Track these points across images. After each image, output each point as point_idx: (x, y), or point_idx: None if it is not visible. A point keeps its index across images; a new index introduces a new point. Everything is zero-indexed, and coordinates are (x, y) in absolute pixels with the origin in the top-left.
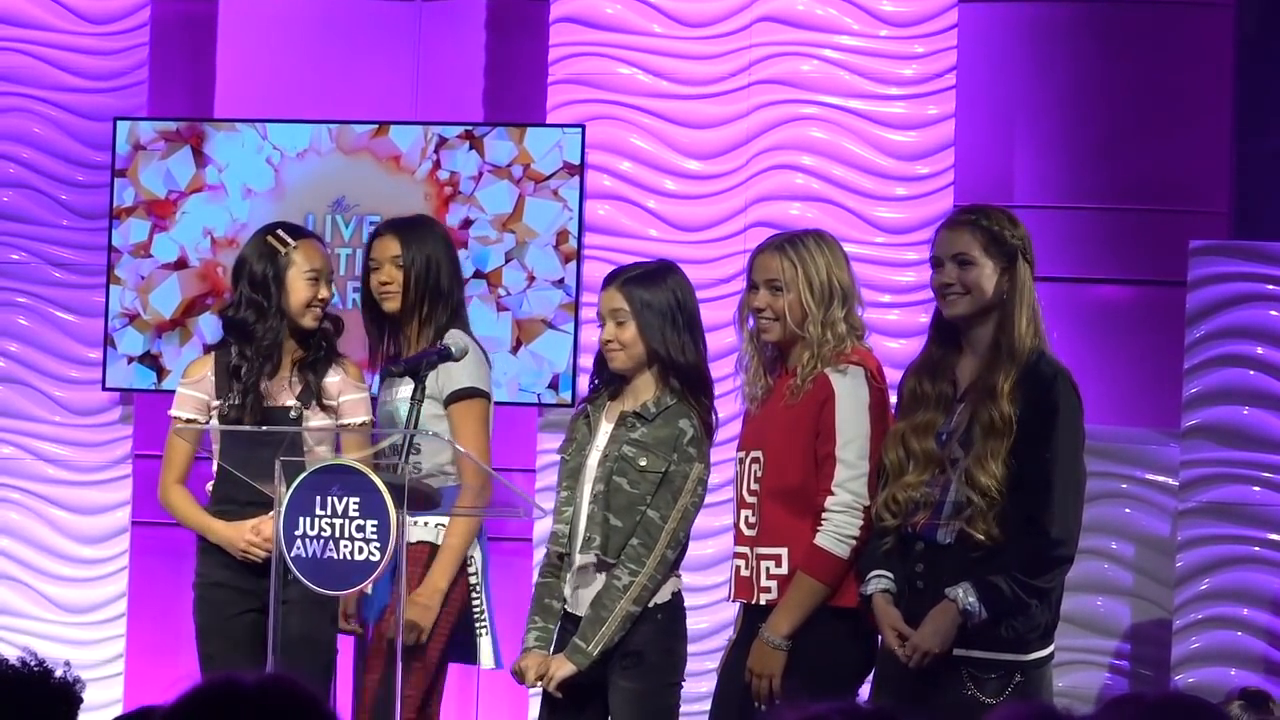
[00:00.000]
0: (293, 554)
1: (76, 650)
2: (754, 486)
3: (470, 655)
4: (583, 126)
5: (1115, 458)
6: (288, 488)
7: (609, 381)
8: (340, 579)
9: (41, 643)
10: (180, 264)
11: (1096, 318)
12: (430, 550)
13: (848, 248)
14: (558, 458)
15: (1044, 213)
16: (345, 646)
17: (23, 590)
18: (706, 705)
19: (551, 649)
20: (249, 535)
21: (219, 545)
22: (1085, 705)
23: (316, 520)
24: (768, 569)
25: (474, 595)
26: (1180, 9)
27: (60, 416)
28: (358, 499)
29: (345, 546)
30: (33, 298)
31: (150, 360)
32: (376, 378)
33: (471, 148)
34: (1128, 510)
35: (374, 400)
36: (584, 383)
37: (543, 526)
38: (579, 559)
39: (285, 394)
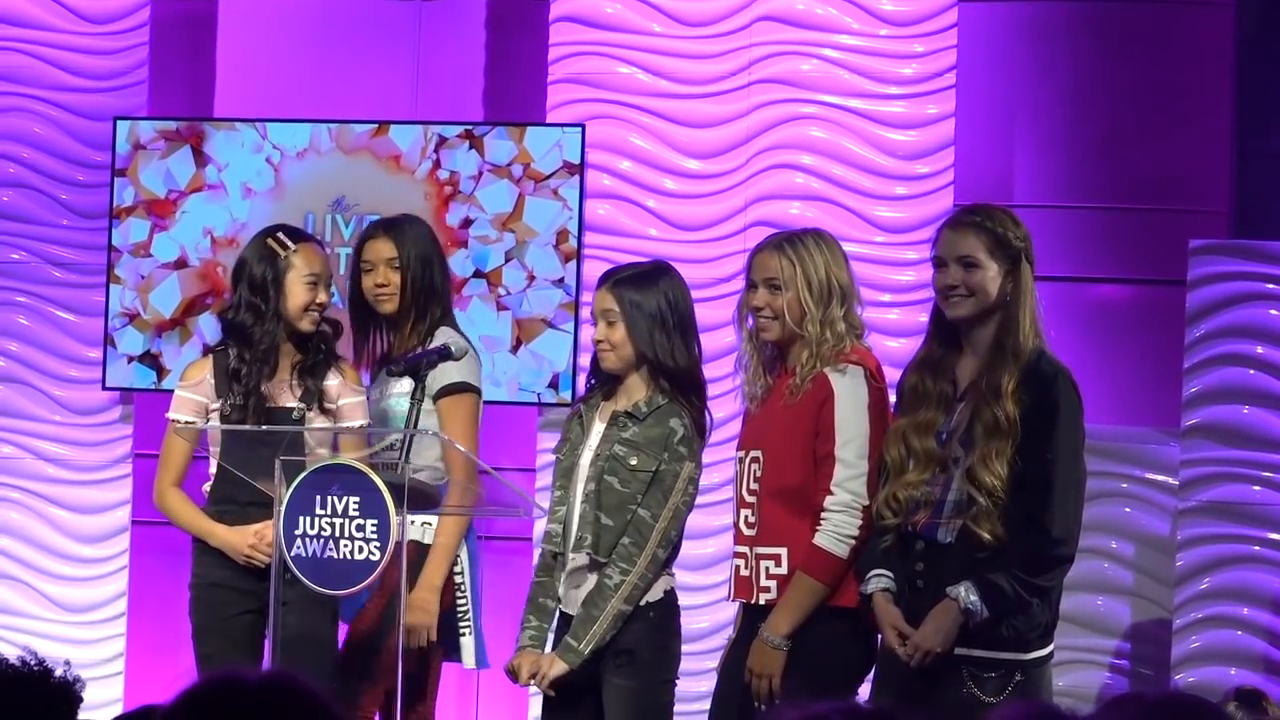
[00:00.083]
0: (293, 553)
1: (76, 649)
2: (753, 486)
3: (452, 654)
4: (583, 126)
5: (1115, 457)
6: (288, 487)
7: (604, 381)
8: (340, 578)
9: (41, 642)
10: (180, 263)
11: (1096, 317)
12: (416, 549)
13: (847, 247)
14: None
15: (1044, 212)
16: None
17: (23, 589)
18: (706, 705)
19: (547, 648)
20: (252, 540)
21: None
22: (1085, 704)
23: (316, 520)
24: (767, 569)
25: (459, 595)
26: (1180, 8)
27: (60, 416)
28: (358, 498)
29: (345, 546)
30: (33, 297)
31: (150, 360)
32: (365, 376)
33: (471, 147)
34: (1128, 509)
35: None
36: (583, 382)
37: (542, 526)
38: (572, 558)
39: (287, 396)
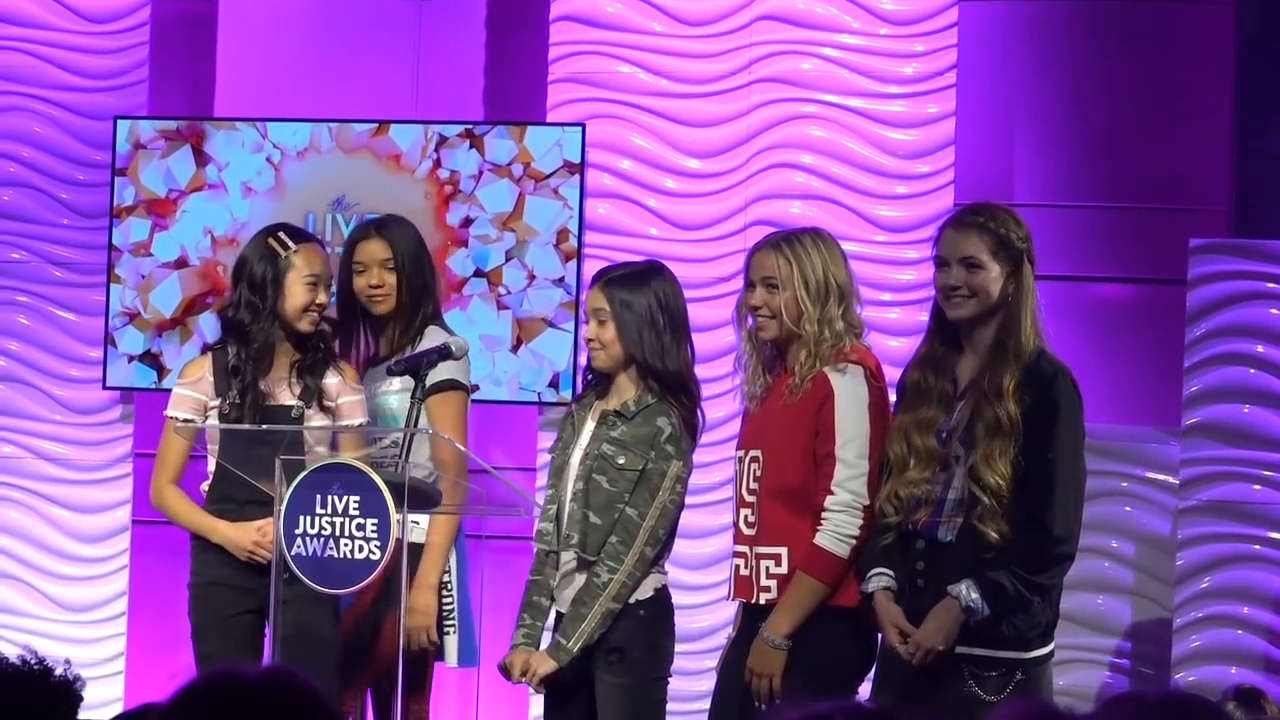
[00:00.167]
0: (293, 552)
1: (77, 649)
2: (753, 485)
3: (436, 653)
4: (583, 125)
5: (1116, 456)
6: (288, 487)
7: (598, 381)
8: (340, 577)
9: (42, 641)
10: (180, 263)
11: (1097, 316)
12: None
13: (848, 246)
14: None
15: (1044, 211)
16: None
17: (23, 589)
18: (706, 704)
19: (543, 646)
20: (255, 537)
21: (218, 545)
22: (1085, 703)
23: (317, 519)
24: (767, 568)
25: (445, 593)
26: (1180, 8)
27: (61, 415)
28: (358, 497)
29: (345, 545)
30: (33, 296)
31: (150, 359)
32: None
33: (472, 146)
34: (1128, 508)
35: None
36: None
37: None
38: (564, 556)
39: (286, 394)
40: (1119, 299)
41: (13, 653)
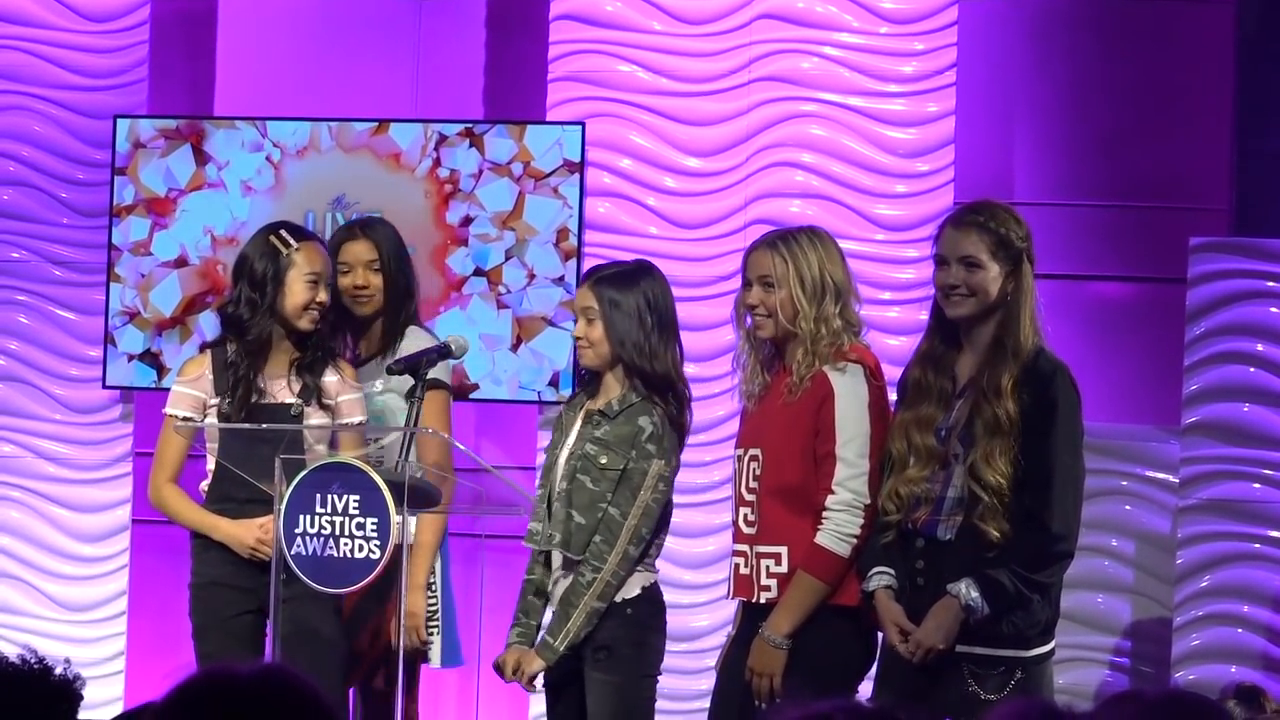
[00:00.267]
0: (293, 552)
1: (77, 648)
2: (753, 484)
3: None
4: (583, 124)
5: (1115, 454)
6: (288, 486)
7: (589, 380)
8: (340, 577)
9: (42, 641)
10: (180, 262)
11: (1097, 315)
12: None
13: (847, 245)
14: None
15: (1044, 210)
16: None
17: (23, 588)
18: (706, 704)
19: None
20: (258, 534)
21: (219, 543)
22: (1085, 702)
23: (317, 518)
24: (767, 567)
25: (429, 594)
26: (1181, 7)
27: (60, 414)
28: (358, 497)
29: (345, 544)
30: (33, 296)
31: (150, 358)
32: None
33: (471, 145)
34: (1128, 507)
35: None
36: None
37: None
38: (555, 556)
39: (285, 392)
40: (1119, 298)
41: (13, 652)
